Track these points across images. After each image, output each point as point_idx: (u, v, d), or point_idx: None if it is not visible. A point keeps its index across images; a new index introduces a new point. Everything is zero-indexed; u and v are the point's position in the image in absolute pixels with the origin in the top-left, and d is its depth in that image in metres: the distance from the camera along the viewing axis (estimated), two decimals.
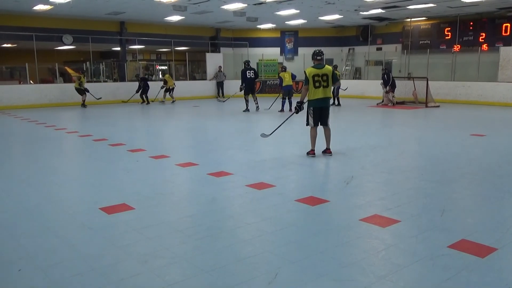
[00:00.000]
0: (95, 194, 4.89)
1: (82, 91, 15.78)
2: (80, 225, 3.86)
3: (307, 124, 6.73)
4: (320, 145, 6.74)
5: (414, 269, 2.93)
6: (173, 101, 17.84)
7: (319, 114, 6.62)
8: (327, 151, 6.73)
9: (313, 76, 6.49)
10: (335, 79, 6.64)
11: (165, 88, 17.61)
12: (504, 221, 3.86)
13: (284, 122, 7.60)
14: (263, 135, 7.55)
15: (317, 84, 6.50)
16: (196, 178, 5.52)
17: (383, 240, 3.45)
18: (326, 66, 6.63)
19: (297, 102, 6.78)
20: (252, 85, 14.01)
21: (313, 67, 6.59)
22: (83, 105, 15.90)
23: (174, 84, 17.76)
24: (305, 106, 6.76)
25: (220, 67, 20.55)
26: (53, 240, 3.50)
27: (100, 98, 16.40)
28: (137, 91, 17.41)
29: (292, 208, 4.25)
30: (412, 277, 2.84)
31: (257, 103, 14.12)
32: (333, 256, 3.13)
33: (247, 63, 14.28)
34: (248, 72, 13.79)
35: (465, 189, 5.09)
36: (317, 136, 6.68)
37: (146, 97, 17.40)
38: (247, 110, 13.77)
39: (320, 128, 6.72)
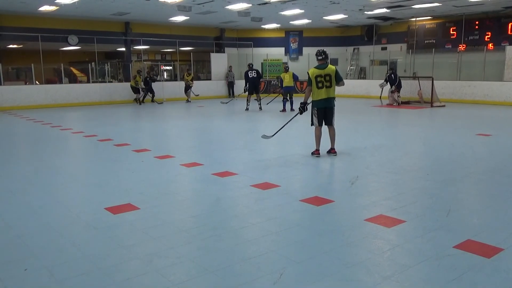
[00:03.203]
0: (100, 194, 4.91)
1: (137, 89, 17.23)
2: (85, 225, 3.88)
3: (312, 124, 6.72)
4: (325, 145, 6.73)
5: (420, 270, 2.92)
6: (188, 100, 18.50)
7: (324, 114, 6.61)
8: (331, 151, 6.72)
9: (316, 77, 6.48)
10: (339, 78, 6.60)
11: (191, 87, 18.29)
12: (510, 221, 3.83)
13: (287, 123, 7.56)
14: (265, 137, 7.43)
15: (320, 85, 6.48)
16: (201, 178, 5.53)
17: (389, 240, 3.43)
18: (330, 66, 6.58)
19: (301, 103, 6.76)
20: (255, 85, 14.25)
21: (315, 67, 6.57)
22: (138, 101, 17.23)
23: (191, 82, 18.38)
24: (309, 106, 6.76)
25: (230, 67, 20.68)
26: (58, 239, 3.52)
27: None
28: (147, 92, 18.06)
29: (297, 208, 4.25)
30: (417, 277, 2.83)
31: (260, 103, 14.34)
32: (338, 256, 3.13)
33: (250, 65, 14.64)
34: (250, 72, 14.13)
35: (471, 189, 5.07)
36: (322, 136, 6.67)
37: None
38: (247, 109, 14.16)
39: (324, 128, 6.71)
